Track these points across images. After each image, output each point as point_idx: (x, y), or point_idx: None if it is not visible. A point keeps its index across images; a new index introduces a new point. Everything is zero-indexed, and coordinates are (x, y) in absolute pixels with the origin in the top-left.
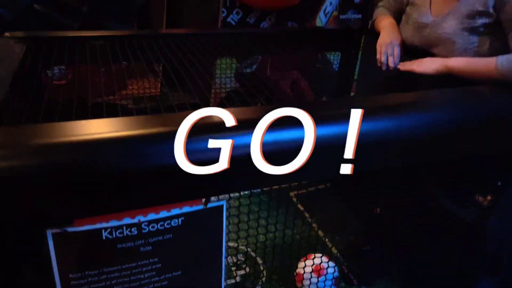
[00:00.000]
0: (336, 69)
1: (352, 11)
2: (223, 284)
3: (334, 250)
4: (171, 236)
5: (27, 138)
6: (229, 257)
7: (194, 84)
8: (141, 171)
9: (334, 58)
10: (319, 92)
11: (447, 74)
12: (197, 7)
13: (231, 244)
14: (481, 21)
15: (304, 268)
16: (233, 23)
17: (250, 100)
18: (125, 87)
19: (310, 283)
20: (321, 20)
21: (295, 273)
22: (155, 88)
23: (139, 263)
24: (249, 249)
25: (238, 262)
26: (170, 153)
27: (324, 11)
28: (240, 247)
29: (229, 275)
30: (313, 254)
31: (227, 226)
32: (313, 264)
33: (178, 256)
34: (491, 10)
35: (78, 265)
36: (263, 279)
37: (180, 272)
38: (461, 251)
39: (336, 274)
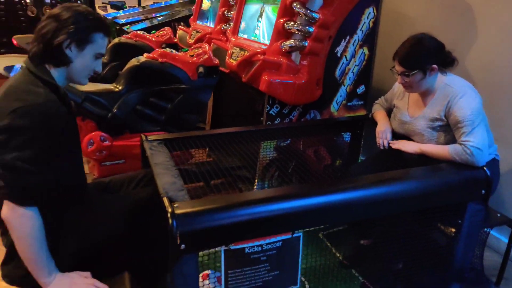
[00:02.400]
0: (348, 142)
1: (356, 99)
2: (299, 282)
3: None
4: (275, 252)
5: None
6: None
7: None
8: (268, 220)
9: (346, 136)
10: (334, 157)
11: (420, 153)
12: (242, 102)
13: None
14: (437, 123)
15: None
16: (273, 114)
17: (284, 166)
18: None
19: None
20: (334, 107)
21: None
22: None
23: (259, 266)
24: None
25: None
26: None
27: (336, 101)
28: None
29: None
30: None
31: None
32: None
33: (277, 263)
34: (443, 117)
35: (234, 265)
36: None
37: (278, 272)
38: (438, 266)
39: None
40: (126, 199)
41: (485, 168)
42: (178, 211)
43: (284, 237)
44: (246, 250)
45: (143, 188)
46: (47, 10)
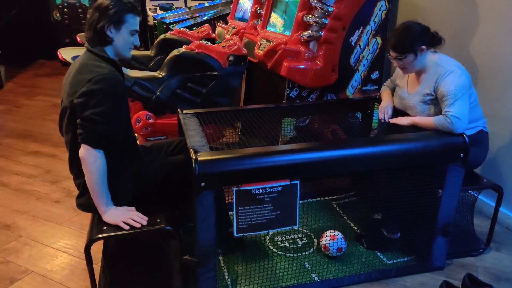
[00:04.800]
0: (360, 121)
1: (370, 84)
2: (297, 222)
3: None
4: (277, 195)
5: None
6: (296, 234)
7: (267, 132)
8: (270, 168)
9: (358, 115)
10: (349, 135)
11: (413, 125)
12: (268, 87)
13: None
14: (428, 97)
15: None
16: (293, 96)
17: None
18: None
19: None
20: (349, 91)
21: (321, 245)
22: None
23: (264, 206)
24: (307, 231)
25: (301, 237)
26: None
27: (351, 86)
28: (303, 230)
29: (295, 242)
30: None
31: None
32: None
33: (279, 205)
34: (433, 92)
35: (243, 202)
36: (314, 245)
37: (279, 212)
38: (427, 222)
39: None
40: (166, 160)
41: (464, 135)
42: (200, 158)
43: (283, 183)
44: (253, 191)
45: (179, 156)
46: None
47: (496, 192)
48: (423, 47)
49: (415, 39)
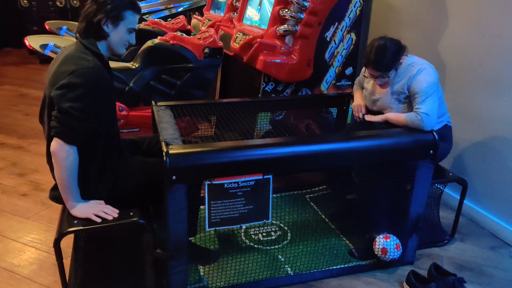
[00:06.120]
0: (334, 117)
1: (344, 79)
2: (270, 217)
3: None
4: (249, 189)
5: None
6: (269, 226)
7: (241, 126)
8: (242, 162)
9: (333, 111)
10: (324, 131)
11: (386, 120)
12: (244, 80)
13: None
14: (402, 96)
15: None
16: (269, 90)
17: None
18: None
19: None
20: (324, 86)
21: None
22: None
23: (237, 200)
24: (281, 223)
25: (275, 230)
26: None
27: (326, 81)
28: (277, 223)
29: (269, 234)
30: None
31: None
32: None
33: (252, 199)
34: (406, 91)
35: (215, 197)
36: (288, 238)
37: (252, 206)
38: (399, 217)
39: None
40: (149, 163)
41: (434, 132)
42: (171, 151)
43: (256, 177)
44: (225, 185)
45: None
46: (75, 1)
47: (460, 185)
48: (401, 61)
49: (396, 57)
